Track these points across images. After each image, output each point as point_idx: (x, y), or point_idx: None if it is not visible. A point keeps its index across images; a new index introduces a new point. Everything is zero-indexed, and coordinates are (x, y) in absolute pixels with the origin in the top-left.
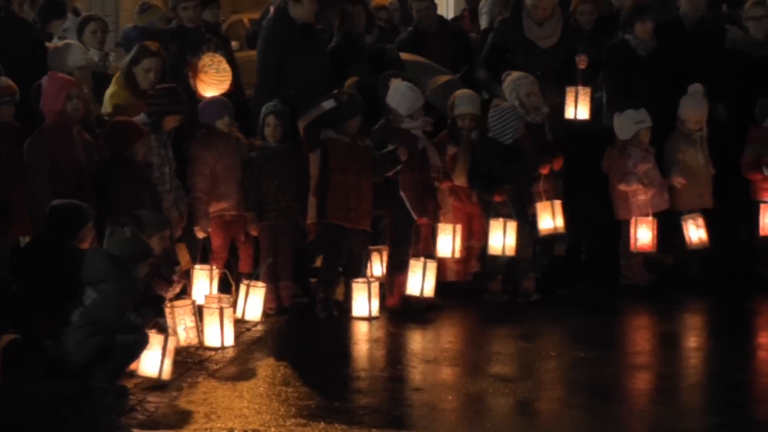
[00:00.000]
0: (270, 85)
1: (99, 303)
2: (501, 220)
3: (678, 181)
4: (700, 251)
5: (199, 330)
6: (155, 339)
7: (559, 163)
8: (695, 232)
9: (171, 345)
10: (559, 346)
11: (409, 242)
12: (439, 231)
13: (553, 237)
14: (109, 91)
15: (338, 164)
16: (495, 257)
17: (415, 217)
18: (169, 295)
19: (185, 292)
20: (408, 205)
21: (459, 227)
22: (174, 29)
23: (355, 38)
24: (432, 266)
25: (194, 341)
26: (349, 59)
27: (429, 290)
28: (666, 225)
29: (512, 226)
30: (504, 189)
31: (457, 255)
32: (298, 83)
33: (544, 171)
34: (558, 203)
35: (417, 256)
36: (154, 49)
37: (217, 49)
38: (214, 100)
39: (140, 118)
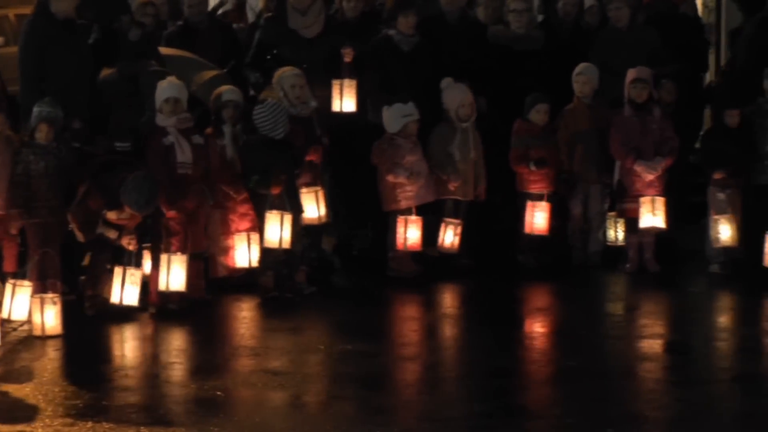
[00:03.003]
0: (32, 81)
1: None
2: (277, 212)
3: (447, 174)
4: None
5: None
6: None
7: (319, 154)
8: (449, 237)
9: None
10: (327, 338)
11: (161, 238)
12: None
13: (321, 229)
14: None
15: None
16: (269, 251)
17: (164, 211)
18: None
19: None
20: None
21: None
22: None
23: (114, 34)
24: (179, 260)
25: None
26: (109, 54)
27: (178, 286)
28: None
29: (288, 219)
30: (281, 180)
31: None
32: (60, 78)
33: (311, 158)
34: (321, 192)
35: (183, 251)
36: None
37: None
38: None
39: None
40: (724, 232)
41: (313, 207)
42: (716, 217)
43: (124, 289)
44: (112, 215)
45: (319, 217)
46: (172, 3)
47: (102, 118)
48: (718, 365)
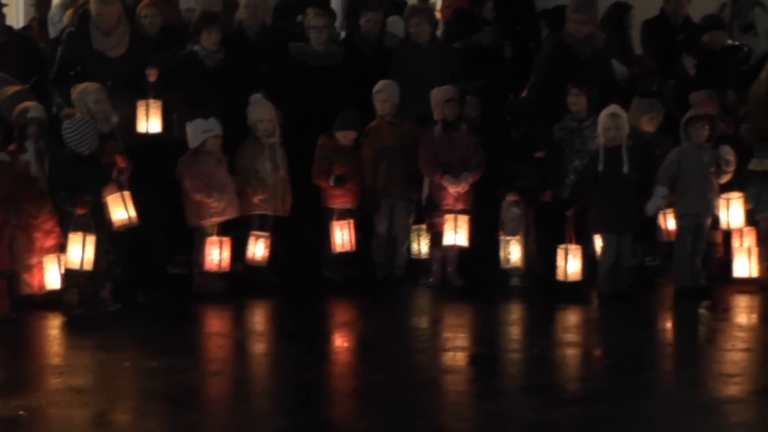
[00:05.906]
0: None
1: None
2: (80, 233)
3: (253, 188)
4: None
5: None
6: None
7: (124, 162)
8: (257, 250)
9: None
10: (133, 355)
11: None
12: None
13: (126, 244)
14: None
15: None
16: (72, 271)
17: None
18: None
19: None
20: None
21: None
22: None
23: None
24: None
25: None
26: None
27: None
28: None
29: (91, 240)
30: (86, 200)
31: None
32: None
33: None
34: (127, 194)
35: None
36: None
37: None
38: None
39: None
40: (514, 253)
41: (122, 210)
42: (507, 238)
43: None
44: None
45: (129, 218)
46: None
47: None
48: (518, 376)
